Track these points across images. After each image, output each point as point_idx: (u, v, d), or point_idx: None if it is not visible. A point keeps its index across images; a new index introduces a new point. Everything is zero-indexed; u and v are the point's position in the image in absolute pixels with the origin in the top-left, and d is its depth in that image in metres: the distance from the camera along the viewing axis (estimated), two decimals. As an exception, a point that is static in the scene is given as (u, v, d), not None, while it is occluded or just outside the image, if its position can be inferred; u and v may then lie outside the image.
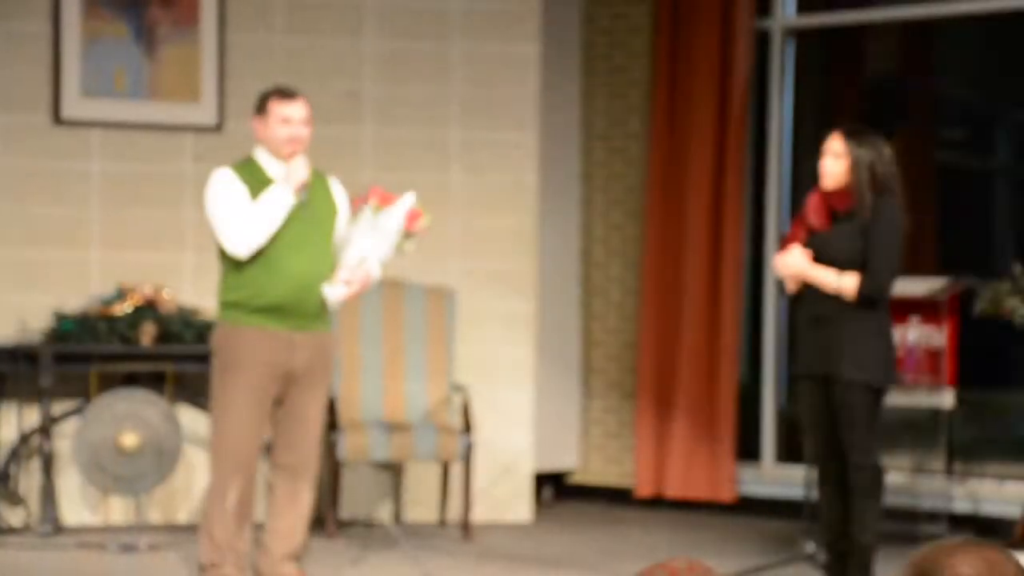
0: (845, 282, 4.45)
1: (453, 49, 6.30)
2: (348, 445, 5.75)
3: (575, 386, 6.94)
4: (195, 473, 6.08)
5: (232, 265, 4.52)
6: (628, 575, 5.07)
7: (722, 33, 6.52)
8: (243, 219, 4.43)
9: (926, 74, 6.97)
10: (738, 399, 6.56)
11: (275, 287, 4.47)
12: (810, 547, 5.10)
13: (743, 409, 6.63)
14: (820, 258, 4.54)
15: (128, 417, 5.76)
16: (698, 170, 6.58)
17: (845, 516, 4.60)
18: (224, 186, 4.48)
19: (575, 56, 6.92)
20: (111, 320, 5.81)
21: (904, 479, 6.19)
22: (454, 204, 6.31)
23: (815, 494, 5.10)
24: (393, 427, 5.84)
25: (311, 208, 4.54)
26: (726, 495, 6.52)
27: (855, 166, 4.46)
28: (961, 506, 6.05)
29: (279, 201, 4.47)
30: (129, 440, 5.73)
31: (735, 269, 6.56)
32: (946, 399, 5.98)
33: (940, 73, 6.99)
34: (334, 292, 4.53)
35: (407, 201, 4.62)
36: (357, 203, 4.66)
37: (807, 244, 4.57)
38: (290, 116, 4.50)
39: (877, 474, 4.54)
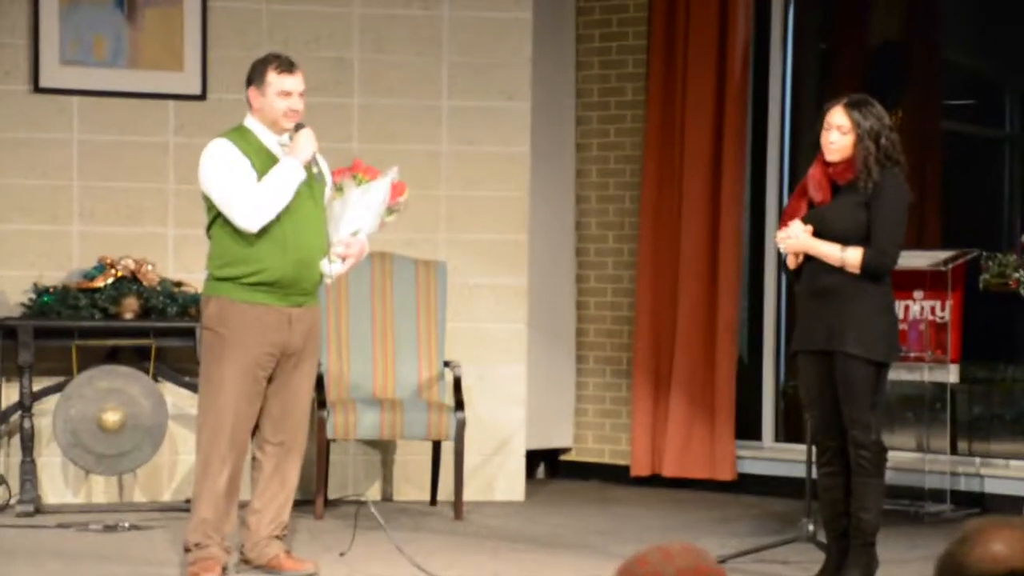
0: (849, 255, 4.36)
1: (443, 16, 6.15)
2: (337, 423, 5.64)
3: (569, 362, 6.83)
4: (180, 451, 5.96)
5: (230, 238, 4.40)
6: (623, 555, 4.96)
7: (721, -3, 6.37)
8: (254, 193, 4.32)
9: (931, 40, 6.82)
10: (737, 376, 6.45)
11: (279, 262, 4.38)
12: (810, 526, 4.99)
13: (742, 386, 6.52)
14: (821, 231, 4.45)
15: (110, 393, 5.65)
16: (696, 140, 6.44)
17: (845, 494, 4.51)
18: (225, 158, 4.36)
19: (569, 23, 6.78)
20: (92, 294, 5.69)
21: (907, 457, 6.07)
22: (445, 175, 6.17)
23: (815, 472, 4.99)
24: (383, 404, 5.73)
25: (308, 181, 4.43)
26: (725, 474, 6.42)
27: (861, 139, 4.35)
28: (966, 484, 5.94)
29: (292, 175, 4.37)
30: (112, 417, 5.62)
31: (734, 242, 6.43)
32: (951, 374, 5.86)
33: (945, 39, 6.84)
34: (333, 268, 4.46)
35: (391, 174, 4.51)
36: (339, 175, 4.54)
37: (808, 217, 4.47)
38: (290, 89, 4.40)
39: (879, 451, 4.44)
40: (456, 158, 6.19)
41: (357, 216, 4.51)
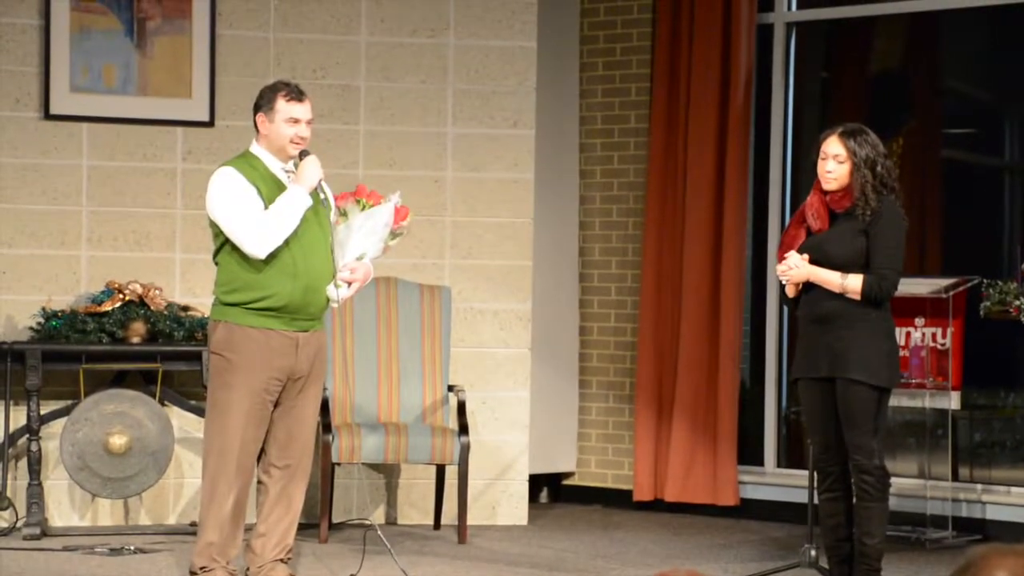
0: (850, 282, 4.40)
1: (449, 44, 6.21)
2: (341, 447, 5.66)
3: (572, 387, 6.85)
4: (186, 474, 5.99)
5: (238, 264, 4.41)
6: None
7: (723, 27, 6.43)
8: (261, 220, 4.34)
9: (931, 69, 6.87)
10: (739, 402, 6.47)
11: (287, 288, 4.39)
12: (812, 552, 5.01)
13: (744, 412, 6.54)
14: (820, 259, 4.48)
15: (117, 417, 5.68)
16: (699, 167, 6.49)
17: (847, 520, 4.53)
18: (232, 185, 4.38)
19: (573, 51, 6.83)
20: (100, 318, 5.73)
21: (909, 483, 6.09)
22: (450, 201, 6.22)
23: (817, 498, 5.01)
24: (387, 428, 5.76)
25: (314, 207, 4.47)
26: (727, 499, 6.43)
27: (857, 167, 4.39)
28: (967, 511, 5.95)
29: (298, 202, 4.39)
30: (118, 441, 5.65)
31: (737, 268, 6.47)
32: (952, 401, 5.88)
33: (946, 68, 6.89)
34: (340, 293, 4.49)
35: (394, 199, 4.56)
36: (342, 199, 4.58)
37: (805, 245, 4.51)
38: (299, 116, 4.42)
39: (882, 477, 4.46)
40: (461, 184, 6.24)
41: (361, 240, 4.54)
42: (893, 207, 4.44)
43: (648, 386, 6.58)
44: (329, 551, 5.53)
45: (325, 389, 5.85)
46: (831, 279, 4.43)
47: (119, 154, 5.99)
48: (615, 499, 6.72)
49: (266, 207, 4.39)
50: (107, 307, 5.76)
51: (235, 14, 6.06)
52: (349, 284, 4.50)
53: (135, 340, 5.74)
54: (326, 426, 5.72)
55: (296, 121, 4.42)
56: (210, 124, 6.03)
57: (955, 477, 6.12)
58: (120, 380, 5.85)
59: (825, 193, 4.50)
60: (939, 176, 6.75)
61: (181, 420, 5.91)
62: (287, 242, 4.40)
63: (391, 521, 6.19)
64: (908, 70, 6.98)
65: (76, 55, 5.90)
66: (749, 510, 6.44)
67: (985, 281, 5.66)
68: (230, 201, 4.36)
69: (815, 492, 4.99)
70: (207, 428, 4.48)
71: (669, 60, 6.57)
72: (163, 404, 5.81)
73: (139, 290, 5.81)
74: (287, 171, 4.49)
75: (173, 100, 5.99)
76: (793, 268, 4.49)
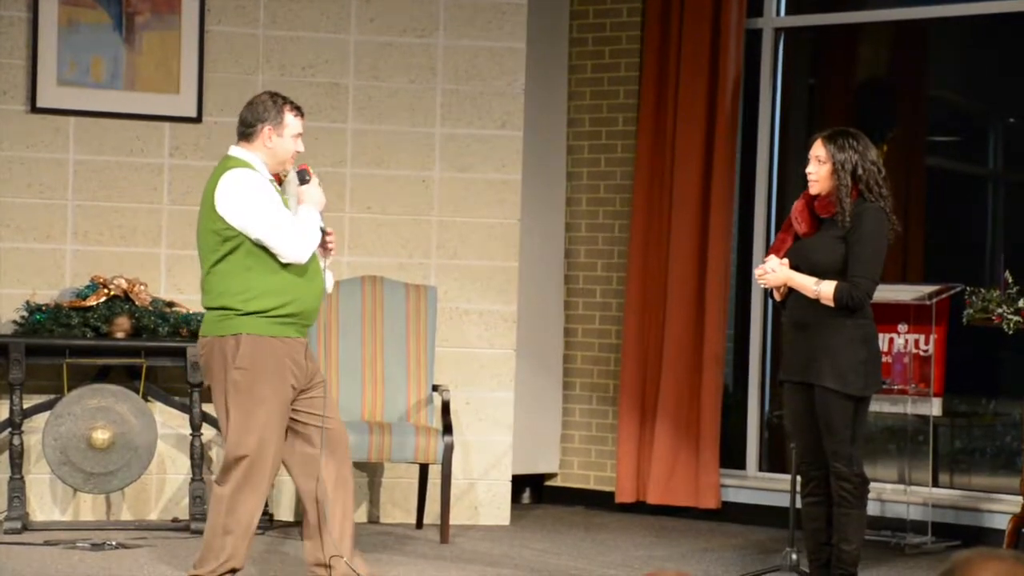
0: (823, 288, 4.41)
1: (438, 44, 6.22)
2: (324, 444, 5.65)
3: (556, 388, 6.87)
4: (168, 470, 5.98)
5: (253, 272, 4.28)
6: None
7: (712, 32, 6.45)
8: (298, 228, 4.29)
9: (917, 77, 6.91)
10: (722, 405, 6.49)
11: (306, 292, 4.34)
12: (793, 556, 5.03)
13: (727, 415, 6.56)
14: (803, 264, 4.49)
15: (100, 412, 5.66)
16: (685, 171, 6.50)
17: (828, 524, 4.54)
18: (262, 190, 4.28)
19: (562, 53, 6.85)
20: (84, 312, 5.72)
21: (890, 488, 6.12)
22: (437, 201, 6.23)
23: (799, 502, 5.03)
24: (371, 427, 5.76)
25: None
26: (709, 502, 6.45)
27: (836, 171, 4.40)
28: (947, 517, 5.99)
29: (315, 221, 4.35)
30: (101, 436, 5.63)
31: (721, 272, 6.49)
32: (933, 408, 5.92)
33: (932, 76, 6.93)
34: (330, 282, 4.47)
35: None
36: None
37: (791, 250, 4.52)
38: (301, 132, 4.40)
39: (861, 483, 4.48)
40: (448, 184, 6.25)
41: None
42: (876, 214, 4.42)
43: (632, 388, 6.59)
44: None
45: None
46: (806, 284, 4.44)
47: (106, 148, 5.97)
48: (597, 501, 6.73)
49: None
50: (92, 302, 5.75)
51: (224, 10, 6.05)
52: (329, 250, 4.43)
53: (119, 335, 5.73)
54: (310, 424, 5.72)
55: (299, 136, 4.39)
56: (198, 120, 6.03)
57: (935, 483, 6.16)
58: (104, 375, 5.83)
59: (812, 198, 4.52)
60: (923, 183, 6.78)
61: (165, 416, 5.90)
62: None
63: (374, 520, 6.19)
64: (894, 77, 7.01)
65: (64, 48, 5.89)
66: (731, 513, 6.46)
67: (968, 289, 5.69)
68: (266, 205, 4.24)
69: (797, 496, 5.01)
70: (236, 440, 4.29)
71: (657, 63, 6.58)
72: (147, 399, 5.80)
73: (124, 285, 5.80)
74: (271, 182, 4.41)
75: (161, 95, 5.98)
76: (770, 272, 4.51)
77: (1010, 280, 5.54)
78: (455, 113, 6.23)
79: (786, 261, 4.51)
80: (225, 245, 4.26)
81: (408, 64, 6.20)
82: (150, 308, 5.78)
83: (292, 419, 4.38)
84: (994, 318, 5.51)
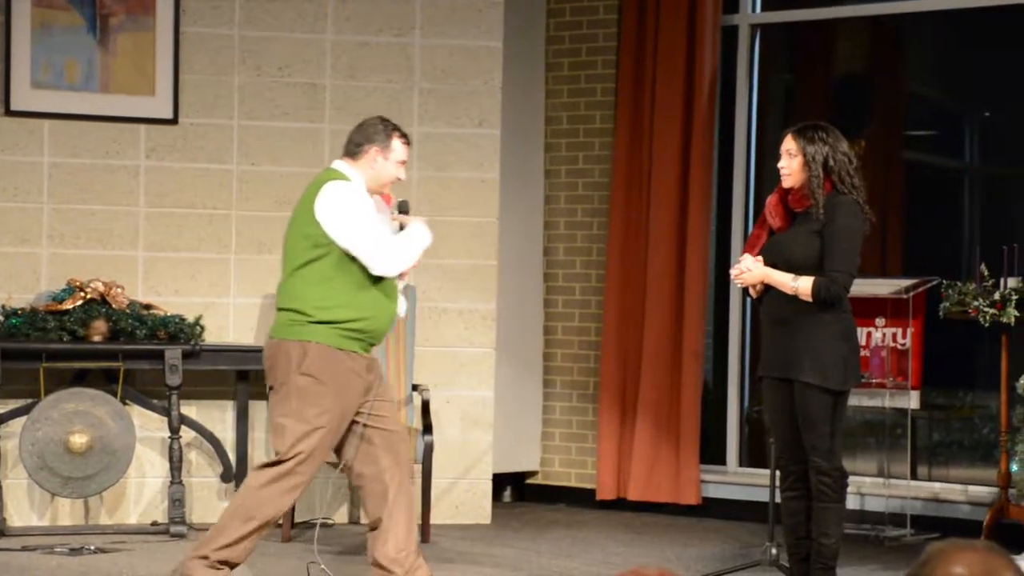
0: (800, 284, 4.41)
1: (415, 43, 6.21)
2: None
3: (536, 387, 6.87)
4: (147, 474, 5.97)
5: (336, 283, 4.31)
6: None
7: (688, 29, 6.46)
8: (394, 242, 4.36)
9: (894, 72, 6.93)
10: (702, 401, 6.50)
11: (383, 312, 4.39)
12: (773, 550, 5.04)
13: (707, 411, 6.57)
14: (778, 259, 4.48)
15: (78, 416, 5.64)
16: (663, 167, 6.51)
17: (808, 519, 4.55)
18: (364, 203, 4.35)
19: (538, 51, 6.85)
20: (61, 316, 5.69)
21: (868, 482, 6.14)
22: (415, 200, 6.20)
23: (779, 497, 5.04)
24: (350, 427, 5.74)
25: None
26: (689, 498, 6.46)
27: (807, 164, 4.40)
28: (925, 509, 6.01)
29: (423, 239, 4.44)
30: (79, 440, 5.61)
31: (700, 268, 6.50)
32: (911, 401, 5.94)
33: (908, 71, 6.95)
34: (403, 308, 4.54)
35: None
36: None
37: (766, 245, 4.52)
38: (405, 160, 4.47)
39: (840, 477, 4.49)
40: (427, 184, 6.24)
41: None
42: (850, 207, 4.42)
43: (612, 386, 6.60)
44: (292, 550, 5.52)
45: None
46: (783, 281, 4.44)
47: (81, 151, 5.95)
48: (578, 498, 6.74)
49: None
50: (68, 305, 5.72)
51: (200, 11, 6.03)
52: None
53: (96, 338, 5.70)
54: (289, 425, 5.70)
55: (403, 163, 4.46)
56: (174, 122, 6.00)
57: (914, 476, 6.18)
58: (81, 379, 5.81)
59: (786, 192, 4.52)
60: (901, 178, 6.80)
61: (143, 419, 5.88)
62: None
63: (354, 520, 6.18)
64: (871, 72, 7.03)
65: (38, 51, 5.86)
66: (711, 509, 6.47)
67: (945, 282, 5.71)
68: (364, 217, 4.31)
69: (777, 491, 5.02)
70: (290, 443, 4.28)
71: (634, 61, 6.59)
72: (124, 403, 5.78)
73: (101, 288, 5.77)
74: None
75: (136, 97, 5.96)
76: (746, 271, 4.51)
77: (986, 273, 5.56)
78: (432, 112, 6.22)
79: (760, 258, 4.51)
80: (313, 251, 4.30)
81: (385, 64, 6.19)
82: (127, 311, 5.76)
83: (354, 422, 4.39)
84: (970, 311, 5.53)
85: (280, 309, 4.37)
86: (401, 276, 4.47)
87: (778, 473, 4.74)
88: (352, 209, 4.29)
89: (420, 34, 6.21)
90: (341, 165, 4.42)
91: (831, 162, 4.42)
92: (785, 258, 4.47)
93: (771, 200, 4.56)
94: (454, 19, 6.22)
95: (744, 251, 4.62)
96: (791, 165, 4.46)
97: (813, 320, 4.43)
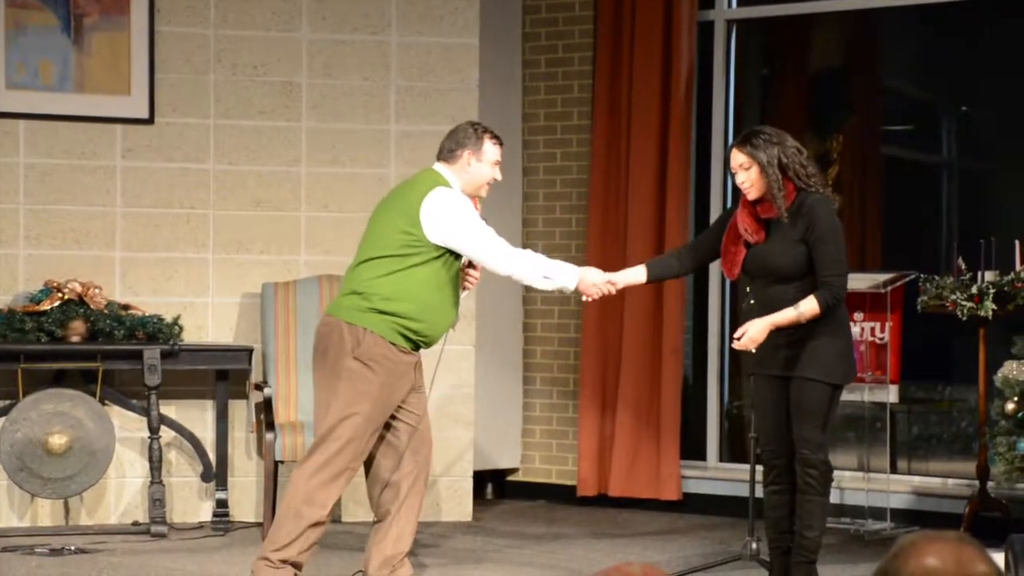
0: (804, 309, 4.40)
1: (391, 41, 6.20)
2: (285, 445, 5.64)
3: (516, 384, 6.87)
4: (127, 474, 5.95)
5: (409, 281, 4.37)
6: (569, 574, 4.99)
7: (664, 25, 6.47)
8: (519, 251, 4.49)
9: (871, 66, 6.94)
10: (682, 397, 6.51)
11: (443, 322, 4.46)
12: (753, 545, 5.05)
13: (687, 407, 6.58)
14: (764, 271, 4.47)
15: (57, 417, 5.62)
16: (641, 164, 6.52)
17: (791, 513, 4.57)
18: (470, 207, 4.44)
19: (515, 48, 6.85)
20: (38, 317, 5.67)
21: (848, 476, 6.16)
22: (393, 198, 6.20)
23: (759, 491, 5.05)
24: (330, 426, 5.73)
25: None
26: (670, 493, 6.47)
27: (763, 171, 4.41)
28: (905, 503, 6.03)
29: (567, 278, 4.54)
30: (58, 440, 5.60)
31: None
32: (890, 395, 5.96)
33: (885, 66, 6.97)
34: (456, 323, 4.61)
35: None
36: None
37: (748, 259, 4.51)
38: (499, 160, 4.54)
39: (826, 471, 4.51)
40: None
41: None
42: (825, 206, 4.41)
43: (592, 382, 6.60)
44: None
45: (268, 387, 5.84)
46: (789, 318, 4.40)
47: (57, 151, 5.93)
48: (559, 494, 6.74)
49: None
50: (46, 306, 5.70)
51: (174, 10, 6.01)
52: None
53: (75, 339, 5.69)
54: (269, 424, 5.70)
55: (497, 164, 4.53)
56: (150, 121, 5.99)
57: (893, 470, 6.20)
58: (59, 380, 5.79)
59: (754, 205, 4.51)
60: (878, 172, 6.82)
61: (122, 419, 5.87)
62: (452, 279, 4.44)
63: (335, 519, 6.17)
64: (848, 67, 7.04)
65: (12, 51, 5.83)
66: (692, 504, 6.48)
67: (922, 276, 5.73)
68: (479, 221, 4.43)
69: (757, 486, 5.03)
70: (330, 424, 4.34)
71: (611, 57, 6.59)
72: (104, 403, 5.76)
73: (78, 289, 5.76)
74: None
75: (112, 97, 5.94)
76: (749, 339, 4.43)
77: (963, 267, 5.58)
78: (409, 110, 6.21)
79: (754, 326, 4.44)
80: (403, 249, 4.36)
81: (361, 62, 6.18)
82: (105, 311, 5.75)
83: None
84: (948, 305, 5.55)
85: (346, 292, 4.43)
86: (464, 287, 4.53)
87: (760, 467, 4.74)
88: (463, 218, 4.40)
89: (396, 32, 6.20)
90: (440, 167, 4.50)
91: (784, 160, 4.42)
92: (771, 269, 4.46)
93: (741, 216, 4.51)
94: (430, 17, 6.22)
95: (724, 265, 4.57)
96: (749, 177, 4.45)
97: (809, 319, 4.42)
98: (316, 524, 4.39)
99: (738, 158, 4.46)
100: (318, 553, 5.31)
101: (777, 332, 4.45)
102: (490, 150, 4.49)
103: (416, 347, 4.46)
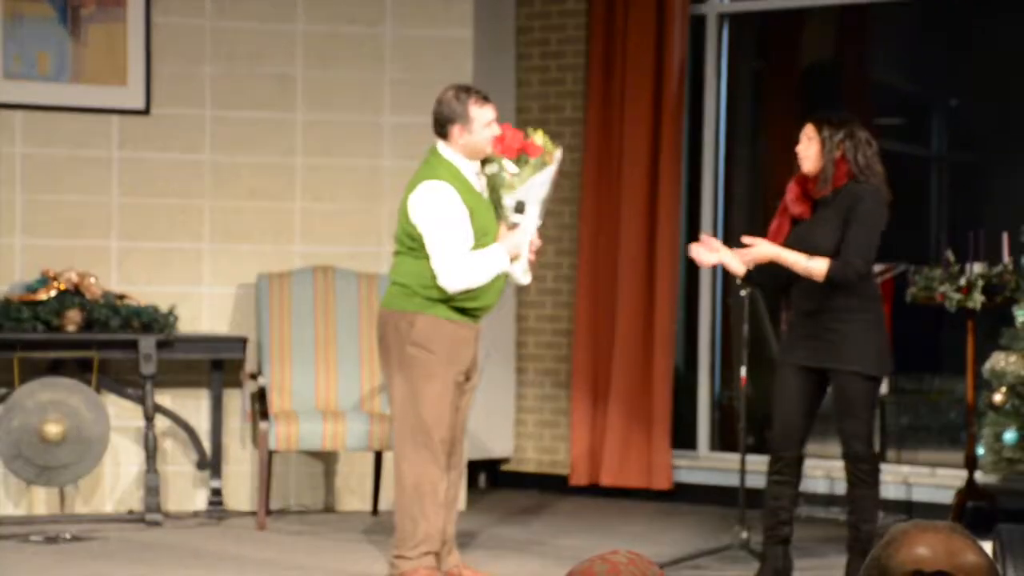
0: (814, 265, 4.44)
1: (386, 34, 6.23)
2: (279, 434, 5.67)
3: (509, 374, 6.90)
4: (121, 462, 5.98)
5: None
6: (561, 562, 5.03)
7: (657, 18, 6.50)
8: (465, 262, 4.45)
9: (862, 60, 6.98)
10: (673, 387, 6.55)
11: (492, 290, 4.53)
12: (743, 534, 5.09)
13: (678, 397, 6.62)
14: (802, 247, 4.50)
15: (52, 405, 5.65)
16: (633, 156, 6.55)
17: (791, 504, 4.62)
18: (453, 209, 4.45)
19: (509, 41, 6.87)
20: (35, 306, 5.70)
21: (839, 466, 6.19)
22: (387, 190, 6.24)
23: (749, 481, 5.09)
24: (325, 415, 5.77)
25: (495, 210, 4.59)
26: (661, 483, 6.51)
27: (824, 149, 4.45)
28: (895, 493, 6.07)
29: (498, 264, 4.52)
30: (53, 429, 5.62)
31: (671, 256, 6.54)
32: (880, 385, 5.98)
33: (876, 60, 7.01)
34: (526, 278, 4.64)
35: (557, 159, 4.60)
36: (512, 151, 4.56)
37: (791, 237, 4.55)
38: (492, 118, 4.52)
39: (876, 464, 4.57)
40: (399, 173, 6.26)
41: (536, 206, 4.58)
42: (876, 195, 4.46)
43: (584, 372, 6.64)
44: (267, 538, 5.54)
45: (263, 377, 5.87)
46: (796, 260, 4.45)
47: (54, 142, 5.95)
48: (552, 484, 6.77)
49: (472, 223, 4.45)
50: (42, 295, 5.72)
51: (170, 2, 6.04)
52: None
53: (71, 328, 5.71)
54: (263, 413, 5.73)
55: (491, 123, 4.52)
56: (146, 112, 6.01)
57: (883, 459, 6.23)
58: (55, 369, 5.82)
59: (806, 180, 4.53)
60: (869, 165, 6.84)
61: (118, 408, 5.89)
62: (482, 243, 4.47)
63: (329, 508, 6.21)
64: (839, 61, 7.08)
65: (9, 42, 5.85)
66: (683, 494, 6.52)
67: (912, 268, 5.77)
68: (446, 227, 4.43)
69: (747, 475, 5.07)
70: (406, 421, 4.49)
71: (604, 50, 6.62)
72: (99, 392, 5.79)
73: (74, 278, 5.78)
74: (477, 174, 4.57)
75: (108, 88, 5.96)
76: (754, 256, 4.48)
77: (952, 259, 5.62)
78: (403, 102, 6.24)
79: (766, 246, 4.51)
80: (414, 243, 4.49)
81: (356, 54, 6.20)
82: (101, 301, 5.77)
83: None
84: (937, 296, 5.59)
85: (393, 282, 4.56)
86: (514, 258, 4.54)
87: (768, 457, 4.75)
88: (436, 216, 4.44)
89: (391, 24, 6.23)
90: (441, 147, 4.56)
91: (848, 148, 4.45)
92: (810, 246, 4.49)
93: (791, 187, 4.59)
94: (425, 9, 6.24)
95: (768, 240, 4.61)
96: (808, 148, 4.50)
97: (847, 310, 4.46)
98: (435, 503, 4.48)
99: (807, 130, 4.52)
100: (313, 541, 5.35)
101: (812, 321, 4.48)
102: (478, 114, 4.50)
103: (475, 319, 4.55)
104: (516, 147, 4.59)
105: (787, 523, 4.61)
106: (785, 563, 4.67)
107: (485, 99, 4.53)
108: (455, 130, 4.50)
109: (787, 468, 4.59)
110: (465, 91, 4.54)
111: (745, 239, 4.61)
